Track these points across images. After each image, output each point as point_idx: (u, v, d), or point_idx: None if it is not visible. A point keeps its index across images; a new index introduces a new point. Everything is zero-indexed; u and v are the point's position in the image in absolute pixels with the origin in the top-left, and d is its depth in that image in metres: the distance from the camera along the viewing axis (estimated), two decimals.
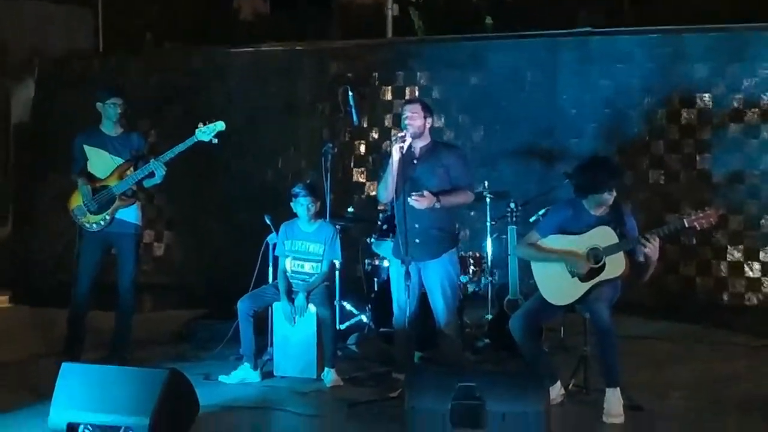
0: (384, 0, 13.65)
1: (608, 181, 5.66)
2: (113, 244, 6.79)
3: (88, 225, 6.68)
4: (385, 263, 7.31)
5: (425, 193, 5.92)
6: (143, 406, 4.79)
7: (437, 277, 6.07)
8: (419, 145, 6.12)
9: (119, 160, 6.68)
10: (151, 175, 6.62)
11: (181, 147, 6.61)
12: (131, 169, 6.66)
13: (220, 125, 6.65)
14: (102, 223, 6.65)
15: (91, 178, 6.67)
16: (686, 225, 5.56)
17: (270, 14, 23.65)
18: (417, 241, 5.95)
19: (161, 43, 17.12)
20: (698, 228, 5.60)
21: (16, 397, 5.99)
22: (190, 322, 7.82)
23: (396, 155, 5.91)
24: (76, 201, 6.69)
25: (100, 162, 6.69)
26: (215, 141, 6.65)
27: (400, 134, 5.96)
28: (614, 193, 5.69)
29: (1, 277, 10.87)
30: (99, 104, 6.74)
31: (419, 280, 6.09)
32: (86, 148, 6.72)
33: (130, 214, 6.73)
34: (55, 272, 10.95)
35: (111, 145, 6.70)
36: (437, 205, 5.95)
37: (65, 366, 5.04)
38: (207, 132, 6.63)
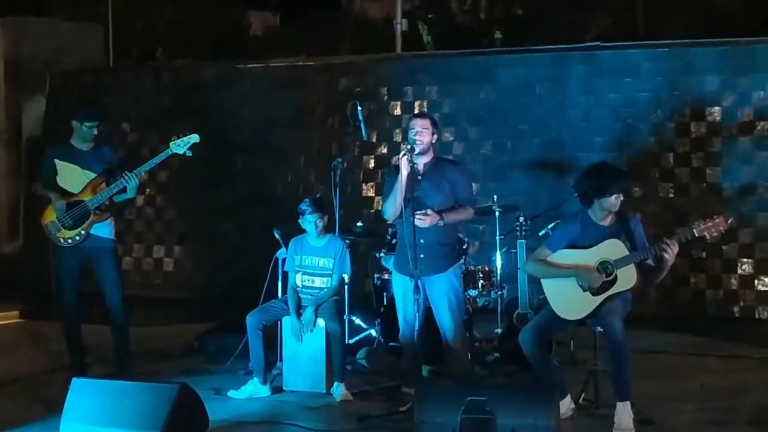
0: (393, 15, 13.69)
1: (613, 183, 5.63)
2: (90, 260, 6.68)
3: (63, 240, 6.55)
4: None
5: (429, 211, 5.89)
6: (153, 420, 4.80)
7: (443, 292, 6.05)
8: (423, 161, 6.08)
9: (91, 175, 6.58)
10: (124, 189, 6.56)
11: (156, 160, 6.61)
12: (104, 183, 6.58)
13: (195, 137, 6.60)
14: (77, 238, 6.54)
15: (64, 193, 6.55)
16: (696, 234, 5.54)
17: (280, 28, 23.80)
18: (421, 256, 5.86)
19: (172, 58, 17.22)
20: (708, 237, 5.58)
21: (27, 411, 5.99)
22: (201, 336, 7.83)
23: (404, 170, 5.88)
24: (50, 216, 6.57)
25: (72, 177, 6.59)
26: (189, 153, 6.61)
27: (407, 148, 5.91)
28: (621, 197, 5.66)
29: (13, 291, 10.89)
30: (75, 122, 6.64)
31: (424, 295, 6.02)
32: (57, 162, 6.62)
33: (104, 230, 6.62)
34: None
35: (83, 160, 6.61)
36: (440, 223, 5.93)
37: (75, 380, 5.07)
38: (182, 145, 6.59)
